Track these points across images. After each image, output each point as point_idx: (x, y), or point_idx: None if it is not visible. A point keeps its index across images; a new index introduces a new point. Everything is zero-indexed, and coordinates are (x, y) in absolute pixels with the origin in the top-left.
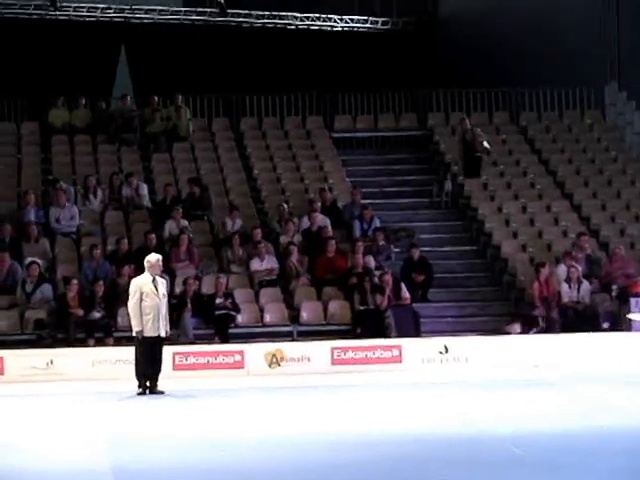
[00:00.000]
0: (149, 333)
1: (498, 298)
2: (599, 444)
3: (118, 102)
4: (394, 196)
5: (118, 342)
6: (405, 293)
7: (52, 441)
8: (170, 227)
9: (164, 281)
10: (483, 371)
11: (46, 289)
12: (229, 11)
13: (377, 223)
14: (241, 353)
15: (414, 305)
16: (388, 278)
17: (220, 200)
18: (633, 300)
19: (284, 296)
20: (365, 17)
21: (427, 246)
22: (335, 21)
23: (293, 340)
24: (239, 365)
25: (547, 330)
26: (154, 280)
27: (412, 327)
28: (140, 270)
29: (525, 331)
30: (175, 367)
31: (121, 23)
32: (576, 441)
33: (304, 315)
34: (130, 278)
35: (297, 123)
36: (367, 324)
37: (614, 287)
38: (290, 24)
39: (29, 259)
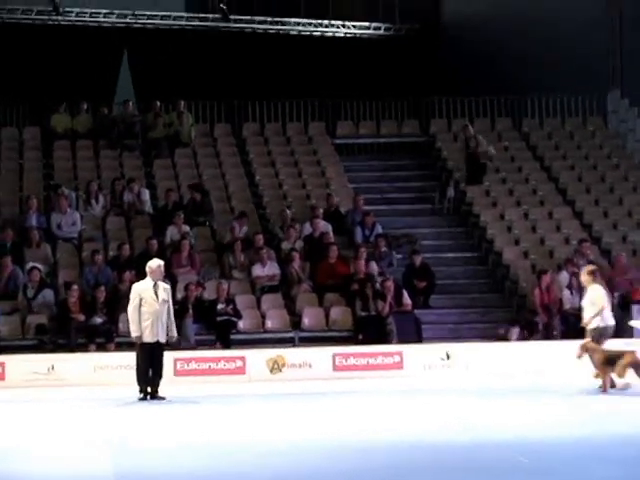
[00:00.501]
0: (148, 339)
1: (500, 305)
2: (600, 452)
3: (120, 107)
4: (396, 202)
5: (119, 348)
6: (407, 299)
7: (53, 447)
8: (172, 233)
9: (167, 287)
10: (484, 378)
11: (47, 294)
12: (231, 17)
13: (379, 229)
14: (242, 359)
15: (416, 311)
16: (390, 284)
17: (222, 206)
18: (635, 307)
19: (286, 302)
20: (368, 23)
21: (429, 252)
22: (338, 27)
23: (294, 346)
24: (240, 371)
25: (548, 337)
26: (155, 286)
27: (414, 333)
28: (141, 276)
29: (523, 337)
30: (176, 373)
31: (123, 28)
32: (577, 449)
33: (306, 321)
34: (131, 284)
35: (299, 129)
36: (369, 330)
37: (616, 294)
38: (293, 30)
39: (30, 264)
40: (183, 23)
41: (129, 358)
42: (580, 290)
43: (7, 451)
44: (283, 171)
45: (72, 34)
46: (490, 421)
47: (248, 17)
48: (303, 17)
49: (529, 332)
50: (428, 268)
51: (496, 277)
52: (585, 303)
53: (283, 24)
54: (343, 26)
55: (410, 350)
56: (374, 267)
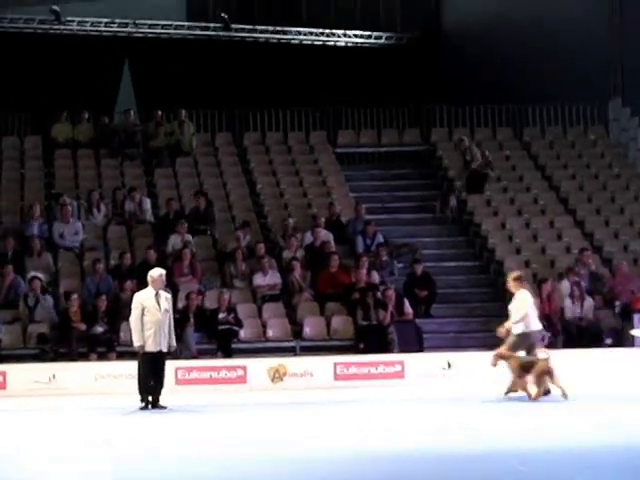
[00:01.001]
0: (150, 348)
1: (501, 314)
2: (601, 461)
3: (121, 117)
4: (397, 211)
5: (121, 357)
6: (408, 308)
7: (54, 456)
8: (174, 241)
9: (168, 296)
10: (486, 387)
11: (48, 303)
12: (233, 26)
13: (380, 238)
14: (244, 368)
15: (417, 320)
16: (391, 293)
17: (223, 215)
18: (636, 316)
19: (287, 311)
20: (369, 32)
21: (430, 261)
22: (339, 36)
23: (296, 355)
24: (242, 380)
25: (549, 346)
26: (157, 295)
27: (415, 342)
28: (143, 285)
29: None
30: (178, 382)
31: (124, 38)
32: (578, 458)
33: (307, 330)
34: (133, 293)
35: (300, 138)
36: (370, 339)
37: (617, 303)
38: (294, 39)
39: (31, 274)
40: (184, 32)
41: (130, 367)
42: (582, 299)
43: (8, 461)
44: (284, 180)
45: (73, 43)
46: (490, 430)
47: (249, 26)
48: (304, 26)
49: None
50: (429, 277)
51: (497, 286)
52: (511, 308)
53: (284, 33)
54: (344, 35)
55: (411, 359)
56: (375, 276)
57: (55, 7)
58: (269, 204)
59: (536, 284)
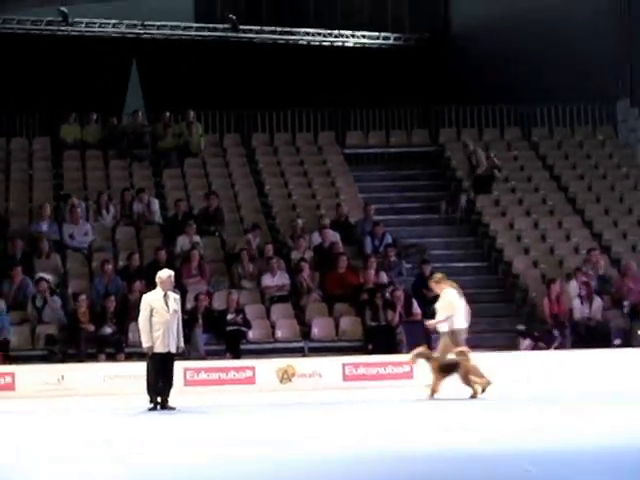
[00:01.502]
0: (159, 349)
1: (510, 314)
2: (611, 463)
3: (130, 118)
4: (405, 212)
5: (129, 358)
6: (416, 309)
7: (62, 458)
8: (182, 242)
9: (177, 297)
10: (495, 387)
11: (56, 304)
12: (241, 27)
13: (389, 239)
14: (252, 369)
15: (425, 321)
16: (399, 294)
17: (231, 216)
18: None
19: (295, 312)
20: (377, 33)
21: (439, 262)
22: (347, 37)
23: (304, 356)
24: (250, 381)
25: (558, 346)
26: (165, 296)
27: (423, 343)
28: (151, 286)
29: (536, 347)
30: (186, 383)
31: (133, 39)
32: (588, 459)
33: (315, 331)
34: (141, 294)
35: (309, 139)
36: (378, 340)
37: (626, 303)
38: (302, 40)
39: (38, 275)
40: (192, 33)
41: (139, 368)
42: (590, 299)
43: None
44: (292, 181)
45: (81, 45)
46: (502, 430)
47: (257, 27)
48: (312, 27)
49: (546, 343)
50: None
51: (506, 286)
52: (437, 307)
53: (292, 34)
54: (352, 36)
55: (420, 360)
56: (384, 277)
57: (63, 8)
58: (277, 205)
59: (545, 284)
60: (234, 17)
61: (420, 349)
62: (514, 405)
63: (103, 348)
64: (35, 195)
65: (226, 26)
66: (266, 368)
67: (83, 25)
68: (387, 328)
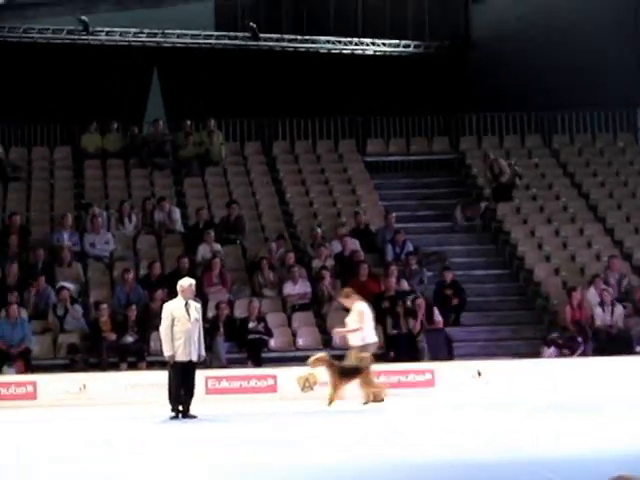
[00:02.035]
0: (181, 358)
1: (531, 322)
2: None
3: (150, 127)
4: (426, 219)
5: (151, 366)
6: (438, 317)
7: (83, 467)
8: (203, 251)
9: (198, 305)
10: (517, 395)
11: (78, 313)
12: (261, 35)
13: (410, 247)
14: (274, 377)
15: (447, 329)
16: (421, 302)
17: (253, 224)
18: None
19: (317, 320)
20: (397, 41)
21: (460, 270)
22: (367, 45)
23: None
24: (272, 389)
25: (580, 354)
26: (187, 304)
27: (445, 351)
28: (173, 294)
29: (560, 355)
30: (208, 391)
31: (153, 47)
32: (608, 467)
33: (337, 339)
34: (163, 302)
35: (329, 147)
36: (400, 348)
37: None
38: (322, 48)
39: (59, 284)
40: (213, 42)
41: (161, 377)
42: (612, 306)
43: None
44: (313, 189)
45: (102, 54)
46: (523, 438)
47: (278, 35)
48: (333, 35)
49: (570, 350)
50: (459, 285)
51: (527, 294)
52: (347, 321)
53: (313, 42)
54: (373, 44)
55: (441, 367)
56: (405, 285)
57: (83, 17)
58: (298, 213)
59: (566, 291)
60: (254, 25)
61: (321, 354)
62: (536, 412)
63: (125, 357)
64: (56, 204)
65: (246, 34)
66: (287, 376)
67: (104, 34)
68: (408, 336)
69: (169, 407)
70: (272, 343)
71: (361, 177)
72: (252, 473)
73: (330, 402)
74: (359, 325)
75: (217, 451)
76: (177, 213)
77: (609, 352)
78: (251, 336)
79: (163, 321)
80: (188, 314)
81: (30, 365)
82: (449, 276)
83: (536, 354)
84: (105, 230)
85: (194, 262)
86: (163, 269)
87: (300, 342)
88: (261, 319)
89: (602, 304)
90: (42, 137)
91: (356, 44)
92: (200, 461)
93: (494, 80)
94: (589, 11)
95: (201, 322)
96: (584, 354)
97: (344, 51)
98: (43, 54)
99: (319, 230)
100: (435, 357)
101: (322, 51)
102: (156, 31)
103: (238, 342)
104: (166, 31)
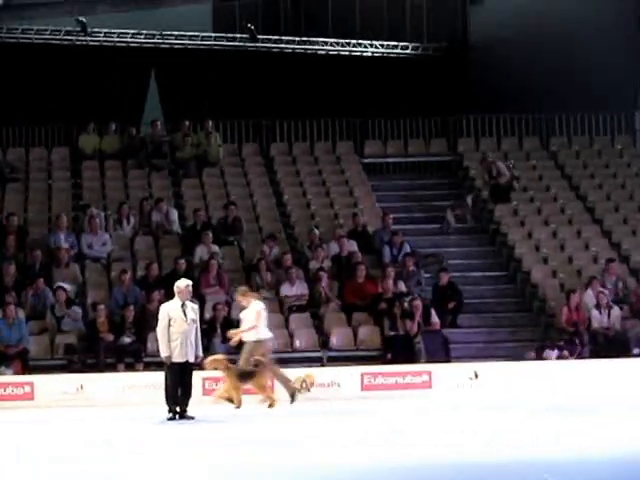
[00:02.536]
0: (177, 359)
1: (528, 324)
2: (629, 472)
3: (148, 128)
4: (424, 221)
5: (148, 367)
6: (435, 318)
7: (83, 467)
8: (200, 252)
9: (195, 306)
10: (513, 397)
11: (75, 314)
12: (259, 37)
13: (407, 249)
14: (271, 378)
15: (444, 331)
16: (418, 304)
17: (250, 226)
18: None
19: (314, 321)
20: (395, 43)
21: (457, 271)
22: (365, 47)
23: (323, 365)
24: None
25: (577, 356)
26: (183, 305)
27: (442, 353)
28: (170, 295)
29: (560, 357)
30: (205, 392)
31: (151, 49)
32: (606, 469)
33: (334, 340)
34: (160, 303)
35: (327, 148)
36: (397, 350)
37: None
38: (320, 50)
39: (57, 285)
40: (211, 43)
41: (158, 377)
42: (609, 309)
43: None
44: (311, 191)
45: (100, 54)
46: (520, 440)
47: (276, 37)
48: (331, 37)
49: (570, 352)
50: (456, 287)
51: (524, 296)
52: (242, 317)
53: (311, 44)
54: (371, 45)
55: (438, 369)
56: (402, 286)
57: (82, 18)
58: (296, 215)
59: (564, 293)
60: (252, 27)
61: (218, 356)
62: (533, 414)
63: (122, 358)
64: (54, 205)
65: (244, 36)
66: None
67: (102, 35)
68: (406, 338)
69: (166, 408)
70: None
71: (359, 179)
72: (252, 473)
73: (229, 400)
74: (255, 323)
75: (215, 451)
76: (175, 214)
77: (606, 354)
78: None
79: (160, 322)
80: (185, 315)
81: (27, 366)
82: (445, 278)
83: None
84: (103, 231)
85: (191, 263)
86: (160, 270)
87: (297, 343)
88: None
89: (599, 306)
90: (40, 138)
91: (354, 46)
92: (198, 461)
93: (492, 82)
94: (587, 13)
95: (198, 323)
96: (581, 356)
97: (342, 53)
98: (41, 55)
99: (317, 231)
100: (432, 359)
101: (320, 53)
102: (154, 32)
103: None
104: (164, 32)
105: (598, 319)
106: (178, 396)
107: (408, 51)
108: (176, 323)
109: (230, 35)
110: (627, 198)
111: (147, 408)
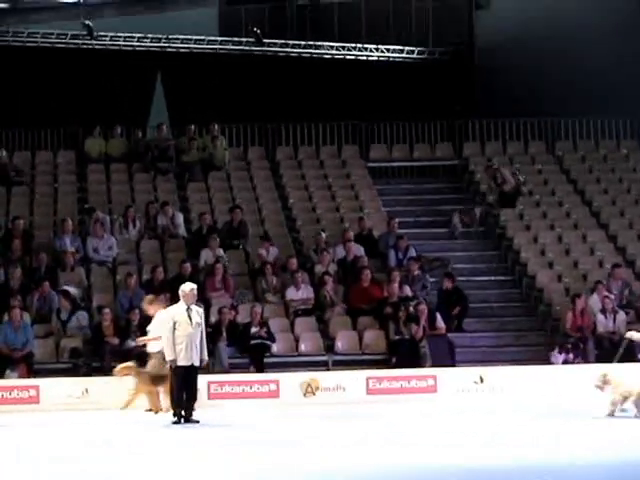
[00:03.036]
0: (182, 362)
1: (533, 328)
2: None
3: (154, 131)
4: (429, 225)
5: None
6: (440, 323)
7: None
8: (206, 256)
9: (200, 310)
10: (518, 401)
11: (81, 317)
12: (265, 41)
13: (413, 253)
14: (276, 382)
15: (449, 335)
16: (423, 308)
17: (256, 229)
18: None
19: (319, 325)
20: (401, 47)
21: (462, 276)
22: (371, 51)
23: (328, 369)
24: (274, 394)
25: (581, 360)
26: (188, 309)
27: (447, 357)
28: (175, 299)
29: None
30: (210, 396)
31: (157, 52)
32: (610, 473)
33: (339, 344)
34: (166, 307)
35: (333, 152)
36: (402, 354)
37: None
38: (326, 54)
39: (62, 288)
40: (217, 47)
41: None
42: (614, 313)
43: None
44: (316, 194)
45: (106, 58)
46: (524, 444)
47: (282, 41)
48: (336, 41)
49: (575, 356)
50: (461, 292)
51: (530, 300)
52: (149, 328)
53: (316, 48)
54: (376, 50)
55: (444, 373)
56: (407, 290)
57: (88, 22)
58: (301, 218)
59: (569, 298)
60: (258, 31)
61: (127, 364)
62: (538, 418)
63: (127, 361)
64: (59, 209)
65: (250, 40)
66: (290, 382)
67: (108, 39)
68: (411, 342)
69: (171, 412)
70: (274, 348)
71: (364, 183)
72: (252, 473)
73: (127, 405)
74: (161, 334)
75: (217, 452)
76: (180, 218)
77: (611, 359)
78: (253, 341)
79: (165, 325)
80: (190, 319)
81: (33, 369)
82: (451, 282)
83: (545, 360)
84: (108, 235)
85: (197, 267)
86: (166, 274)
87: (302, 347)
88: (264, 324)
89: (604, 311)
90: (46, 141)
91: (360, 50)
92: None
93: (497, 86)
94: (593, 18)
95: (203, 327)
96: (586, 361)
97: (348, 57)
98: (47, 58)
99: (323, 235)
100: (437, 363)
101: (326, 57)
102: (160, 36)
103: (240, 347)
104: (170, 36)
105: (603, 324)
106: (183, 400)
107: (414, 55)
108: (181, 327)
109: (236, 39)
110: (632, 203)
111: (152, 412)
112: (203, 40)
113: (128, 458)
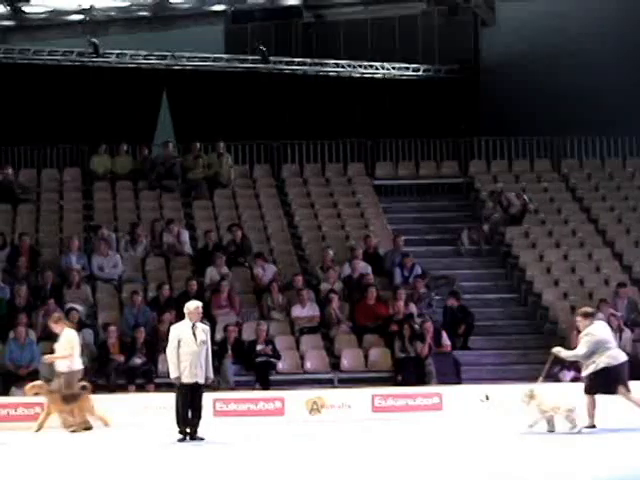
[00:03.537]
0: (187, 380)
1: (539, 346)
2: None
3: (160, 149)
4: (435, 243)
5: (159, 388)
6: (446, 340)
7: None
8: (211, 274)
9: (205, 327)
10: (524, 419)
11: (86, 335)
12: (271, 58)
13: (418, 270)
14: (282, 400)
15: (455, 352)
16: (429, 325)
17: (261, 247)
18: None
19: (325, 343)
20: (407, 65)
21: (468, 293)
22: (377, 68)
23: (334, 387)
24: (279, 412)
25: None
26: (193, 327)
27: (453, 375)
28: (181, 316)
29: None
30: (216, 413)
31: (163, 70)
32: None
33: (345, 362)
34: (171, 324)
35: (338, 170)
36: (408, 371)
37: None
38: (332, 71)
39: (68, 305)
40: (223, 64)
41: (169, 399)
42: (620, 331)
43: None
44: (322, 212)
45: (112, 76)
46: (530, 462)
47: (287, 59)
48: (342, 59)
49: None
50: (466, 310)
51: (535, 318)
52: (56, 347)
53: (322, 65)
54: (382, 67)
55: (449, 391)
56: (413, 308)
57: (94, 39)
58: (307, 236)
59: (574, 317)
60: (264, 48)
61: (37, 382)
62: (544, 437)
63: (133, 379)
64: (65, 226)
65: (256, 57)
66: (295, 399)
67: (114, 56)
68: (416, 359)
69: (177, 429)
70: (280, 366)
71: (370, 200)
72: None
73: (39, 428)
74: (69, 352)
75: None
76: (186, 235)
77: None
78: (259, 359)
79: (169, 343)
80: (195, 336)
81: None
82: (454, 301)
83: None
84: (114, 252)
85: (202, 284)
86: (172, 291)
87: (308, 365)
88: (269, 342)
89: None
90: (51, 159)
91: (365, 67)
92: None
93: (503, 104)
94: (599, 36)
95: (209, 344)
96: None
97: (354, 74)
98: (53, 76)
99: (331, 252)
100: (443, 381)
101: (332, 74)
102: (166, 53)
103: (246, 365)
104: (176, 54)
105: None
106: (188, 417)
107: (420, 73)
108: (186, 344)
109: (242, 57)
110: (638, 220)
111: (158, 429)
112: (209, 58)
113: (133, 476)
